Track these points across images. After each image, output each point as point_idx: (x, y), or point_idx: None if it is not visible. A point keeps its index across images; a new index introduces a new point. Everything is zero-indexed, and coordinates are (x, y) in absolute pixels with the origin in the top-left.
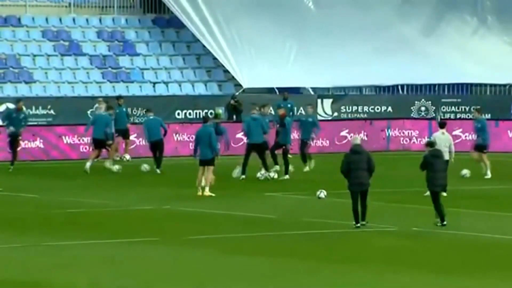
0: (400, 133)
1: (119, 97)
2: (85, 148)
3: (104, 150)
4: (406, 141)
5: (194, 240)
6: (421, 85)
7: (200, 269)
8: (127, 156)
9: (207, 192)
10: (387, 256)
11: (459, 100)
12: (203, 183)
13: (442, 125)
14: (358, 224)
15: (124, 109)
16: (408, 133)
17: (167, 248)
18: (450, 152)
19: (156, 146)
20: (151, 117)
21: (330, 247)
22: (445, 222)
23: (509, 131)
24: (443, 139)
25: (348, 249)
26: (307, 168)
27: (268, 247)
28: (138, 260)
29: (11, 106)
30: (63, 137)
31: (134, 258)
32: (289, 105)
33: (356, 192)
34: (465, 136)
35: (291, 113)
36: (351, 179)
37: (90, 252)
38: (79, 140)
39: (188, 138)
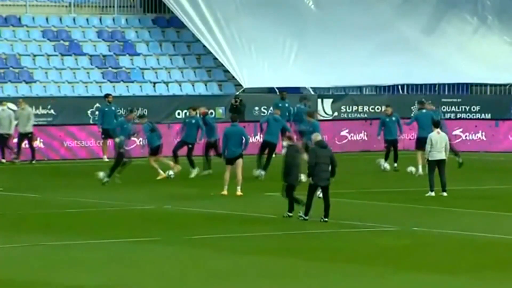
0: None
1: (107, 95)
2: (85, 148)
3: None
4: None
5: (194, 240)
6: (421, 85)
7: (200, 269)
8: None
9: (239, 192)
10: (387, 256)
11: (459, 100)
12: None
13: (436, 124)
14: (306, 217)
15: (113, 108)
16: (408, 133)
17: (167, 248)
18: (446, 150)
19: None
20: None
21: (330, 247)
22: None
23: (509, 131)
24: (439, 139)
25: (348, 249)
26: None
27: (268, 247)
28: (138, 260)
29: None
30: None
31: (134, 258)
32: (286, 105)
33: (318, 186)
34: (465, 136)
35: (287, 113)
36: (316, 173)
37: (90, 252)
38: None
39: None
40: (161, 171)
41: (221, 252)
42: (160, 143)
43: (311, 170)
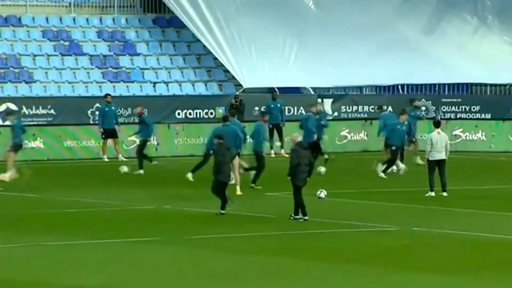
0: None
1: (107, 95)
2: (85, 148)
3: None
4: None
5: (194, 240)
6: (421, 85)
7: (200, 269)
8: (121, 157)
9: (238, 191)
10: (387, 256)
11: (459, 100)
12: (233, 182)
13: (437, 124)
14: (297, 217)
15: (113, 108)
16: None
17: (167, 248)
18: (446, 150)
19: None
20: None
21: (330, 247)
22: None
23: (509, 131)
24: (439, 139)
25: (349, 249)
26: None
27: (268, 247)
28: (138, 260)
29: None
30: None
31: (134, 258)
32: (278, 105)
33: (301, 186)
34: (466, 136)
35: (280, 113)
36: (297, 173)
37: (91, 252)
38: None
39: (188, 138)
40: (8, 173)
41: (221, 252)
42: (22, 143)
43: (293, 170)
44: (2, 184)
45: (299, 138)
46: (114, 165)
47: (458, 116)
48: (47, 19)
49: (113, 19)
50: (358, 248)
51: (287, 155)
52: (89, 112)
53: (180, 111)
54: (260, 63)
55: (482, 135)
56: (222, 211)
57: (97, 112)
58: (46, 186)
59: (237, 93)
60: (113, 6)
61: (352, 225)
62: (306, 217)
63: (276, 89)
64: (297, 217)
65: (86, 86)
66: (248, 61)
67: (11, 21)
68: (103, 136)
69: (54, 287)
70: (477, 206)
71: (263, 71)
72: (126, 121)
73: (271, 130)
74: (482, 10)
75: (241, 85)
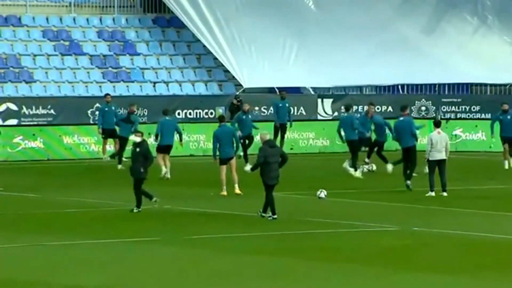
0: None
1: (106, 95)
2: (85, 148)
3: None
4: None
5: (194, 240)
6: (421, 85)
7: (200, 269)
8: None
9: (237, 190)
10: (387, 256)
11: (459, 100)
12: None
13: (437, 124)
14: (264, 214)
15: (113, 108)
16: None
17: (167, 248)
18: (446, 150)
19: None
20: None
21: (330, 247)
22: None
23: None
24: (440, 138)
25: (349, 249)
26: None
27: (268, 247)
28: (138, 260)
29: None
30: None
31: (134, 258)
32: (286, 105)
33: (272, 185)
34: (466, 136)
35: (287, 113)
36: (266, 172)
37: (91, 252)
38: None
39: (188, 137)
40: None
41: (221, 252)
42: None
43: (256, 168)
44: (2, 184)
45: (267, 137)
46: (114, 165)
47: (458, 116)
48: (47, 19)
49: (113, 19)
50: (358, 248)
51: None
52: (89, 112)
53: (180, 111)
54: (260, 63)
55: (482, 135)
56: (138, 209)
57: (97, 112)
58: (46, 186)
59: (237, 93)
60: (113, 6)
61: (352, 225)
62: (275, 216)
63: (276, 89)
64: (264, 214)
65: (86, 86)
66: (248, 61)
67: (11, 21)
68: (103, 136)
69: (54, 287)
70: (477, 206)
71: (263, 71)
72: None
73: (277, 129)
74: (482, 10)
75: (241, 85)
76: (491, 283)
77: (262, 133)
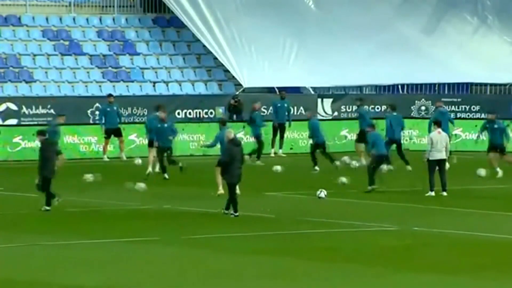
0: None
1: (109, 95)
2: (85, 148)
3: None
4: (406, 140)
5: (194, 240)
6: (421, 85)
7: (200, 269)
8: (123, 156)
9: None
10: (387, 256)
11: (459, 99)
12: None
13: (438, 124)
14: (227, 211)
15: (115, 108)
16: (408, 132)
17: (167, 248)
18: (446, 150)
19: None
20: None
21: (330, 247)
22: None
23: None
24: (440, 138)
25: (349, 249)
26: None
27: (268, 247)
28: (138, 260)
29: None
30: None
31: (134, 258)
32: (285, 105)
33: (234, 183)
34: (465, 136)
35: (286, 113)
36: (230, 170)
37: (91, 252)
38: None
39: (188, 137)
40: None
41: (221, 252)
42: None
43: (221, 165)
44: (2, 184)
45: (232, 135)
46: (114, 165)
47: (458, 116)
48: (47, 19)
49: (113, 19)
50: (358, 248)
51: (284, 155)
52: (89, 111)
53: (180, 110)
54: (260, 63)
55: (482, 135)
56: (48, 208)
57: (97, 112)
58: None
59: (237, 93)
60: (113, 6)
61: (352, 225)
62: (237, 214)
63: (276, 89)
64: (227, 211)
65: (86, 86)
66: (248, 61)
67: (11, 20)
68: (106, 136)
69: (54, 287)
70: (477, 206)
71: (263, 71)
72: (126, 120)
73: (276, 129)
74: (482, 10)
75: (241, 85)
76: (491, 283)
77: (228, 130)
